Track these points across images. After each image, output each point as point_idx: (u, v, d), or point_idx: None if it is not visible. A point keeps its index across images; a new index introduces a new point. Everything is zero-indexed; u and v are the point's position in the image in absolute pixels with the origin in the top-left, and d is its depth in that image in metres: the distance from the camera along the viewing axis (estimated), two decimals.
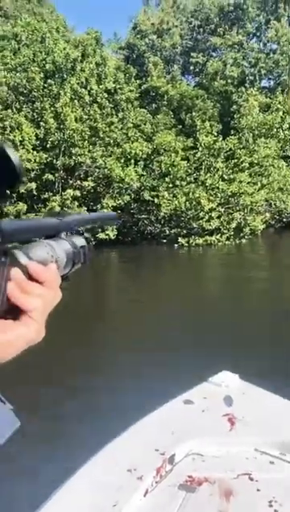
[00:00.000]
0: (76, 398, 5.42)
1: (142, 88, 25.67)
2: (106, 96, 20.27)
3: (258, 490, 1.74)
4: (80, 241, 0.77)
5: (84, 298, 13.16)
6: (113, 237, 21.93)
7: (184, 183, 20.95)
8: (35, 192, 19.44)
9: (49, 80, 19.01)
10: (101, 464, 1.93)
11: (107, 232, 21.80)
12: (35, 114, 18.92)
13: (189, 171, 21.82)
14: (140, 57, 29.14)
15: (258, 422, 2.19)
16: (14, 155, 0.58)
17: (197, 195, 20.23)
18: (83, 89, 19.58)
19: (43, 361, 7.01)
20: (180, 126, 25.20)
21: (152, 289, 13.36)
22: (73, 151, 18.85)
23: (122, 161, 20.75)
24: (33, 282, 0.62)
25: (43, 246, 0.67)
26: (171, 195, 21.11)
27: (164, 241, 22.00)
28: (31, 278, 0.62)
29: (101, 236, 21.65)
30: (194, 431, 2.14)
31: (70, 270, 0.73)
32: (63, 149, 19.05)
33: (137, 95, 23.03)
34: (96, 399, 5.37)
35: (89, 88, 19.86)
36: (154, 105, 25.99)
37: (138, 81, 26.15)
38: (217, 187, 20.84)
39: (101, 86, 20.22)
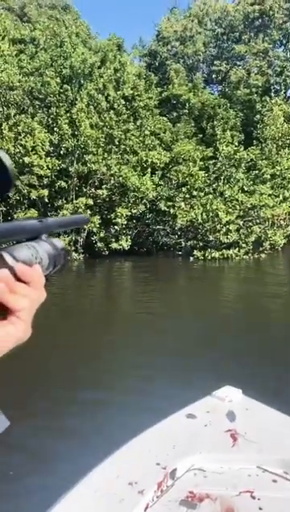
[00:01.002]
0: (78, 409, 5.28)
1: (163, 95, 25.03)
2: (124, 102, 19.67)
3: (260, 509, 1.70)
4: (60, 243, 0.78)
5: (92, 307, 12.87)
6: (127, 248, 21.28)
7: (201, 193, 20.13)
8: (47, 200, 18.93)
9: (65, 86, 18.52)
10: (103, 477, 1.90)
11: (121, 242, 21.18)
12: (50, 120, 18.43)
13: (208, 181, 21.01)
14: (162, 65, 28.59)
15: (261, 439, 2.14)
16: (5, 158, 0.61)
17: (215, 206, 19.37)
18: (100, 95, 19.02)
19: (40, 367, 6.79)
20: (201, 136, 24.44)
21: (162, 301, 12.82)
22: (87, 158, 18.26)
23: (139, 169, 20.10)
24: (20, 282, 0.64)
25: (28, 248, 0.68)
26: (189, 206, 20.33)
27: (180, 253, 21.20)
28: (17, 278, 0.64)
29: (114, 246, 21.03)
30: (196, 445, 2.11)
31: (51, 271, 0.75)
32: (77, 156, 18.50)
33: (156, 102, 22.39)
34: (97, 411, 5.25)
35: (106, 94, 19.30)
36: (174, 114, 25.31)
37: (158, 89, 25.63)
38: (237, 199, 19.95)
39: (118, 92, 19.64)
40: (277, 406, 2.51)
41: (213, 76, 28.41)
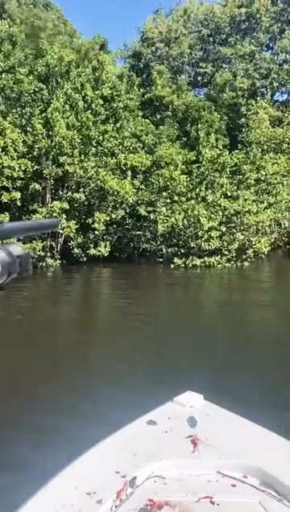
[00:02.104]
0: (36, 416, 5.16)
1: (146, 97, 24.26)
2: (102, 103, 18.81)
3: None
4: (17, 250, 0.75)
5: (63, 316, 12.26)
6: (106, 254, 20.39)
7: (183, 198, 19.33)
8: (20, 203, 17.96)
9: (40, 84, 17.63)
10: (60, 488, 1.85)
11: (99, 248, 20.28)
12: (23, 120, 17.50)
13: (191, 186, 20.23)
14: (147, 66, 27.86)
15: (221, 443, 2.12)
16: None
17: (197, 212, 18.56)
18: (77, 95, 18.15)
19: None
20: (185, 139, 23.68)
21: (138, 312, 12.09)
22: (62, 160, 17.35)
23: (118, 173, 19.24)
24: None
25: None
26: (170, 211, 19.50)
27: (161, 260, 20.35)
28: None
29: (93, 252, 20.12)
30: (157, 452, 2.06)
31: (5, 281, 0.72)
32: (51, 157, 17.59)
33: (138, 103, 21.59)
34: (55, 419, 5.09)
35: (83, 93, 18.43)
36: (158, 116, 24.54)
37: (141, 90, 24.86)
38: (219, 205, 19.17)
39: (97, 92, 18.78)
40: (238, 410, 2.48)
41: (199, 78, 27.72)
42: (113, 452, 2.12)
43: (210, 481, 1.92)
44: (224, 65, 26.74)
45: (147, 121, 23.21)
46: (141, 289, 15.64)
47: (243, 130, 22.71)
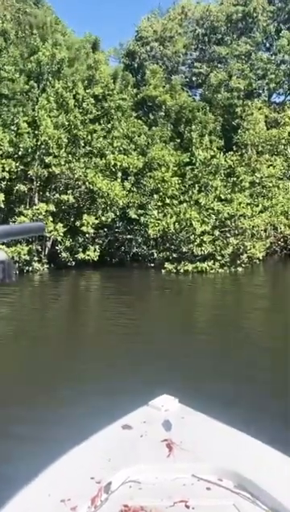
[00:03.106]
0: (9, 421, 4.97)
1: (139, 97, 23.60)
2: (93, 102, 18.09)
3: None
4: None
5: (43, 322, 11.82)
6: (95, 258, 19.69)
7: (175, 201, 18.62)
8: (3, 205, 17.22)
9: (31, 82, 16.93)
10: (33, 496, 1.81)
11: (88, 252, 19.57)
12: (9, 118, 16.76)
13: (183, 188, 19.53)
14: (141, 66, 27.21)
15: (196, 447, 2.11)
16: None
17: (189, 215, 17.86)
18: (68, 93, 17.43)
19: None
20: (179, 140, 23.01)
21: (124, 319, 11.67)
22: (47, 160, 16.62)
23: (107, 174, 18.52)
24: None
25: None
26: (161, 214, 18.78)
27: (152, 264, 19.62)
28: None
29: (81, 256, 19.41)
30: (132, 457, 2.05)
31: None
32: (37, 157, 16.87)
33: (131, 103, 20.92)
34: (29, 423, 4.99)
35: (74, 92, 17.72)
36: (151, 117, 23.87)
37: (134, 90, 24.21)
38: (212, 208, 18.46)
39: (88, 91, 18.07)
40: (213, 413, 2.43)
41: (194, 78, 27.07)
42: (87, 457, 2.08)
43: (185, 484, 1.91)
44: (219, 65, 26.10)
45: (139, 122, 22.54)
46: (128, 296, 14.92)
47: (238, 131, 22.02)
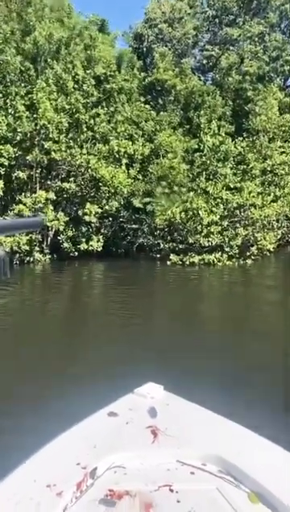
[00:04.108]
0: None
1: (147, 81, 22.63)
2: (94, 83, 17.20)
3: (178, 501, 1.72)
4: None
5: (40, 316, 11.30)
6: (99, 249, 19.00)
7: (183, 189, 17.71)
8: (1, 192, 16.52)
9: (26, 63, 16.11)
10: (19, 482, 1.82)
11: (91, 242, 18.87)
12: (6, 101, 15.98)
13: (191, 176, 18.62)
14: (150, 50, 26.14)
15: (181, 433, 2.14)
16: None
17: (196, 205, 16.96)
18: (67, 75, 16.58)
19: None
20: (188, 126, 22.04)
21: (119, 306, 11.66)
22: (46, 145, 15.83)
23: (111, 161, 17.69)
24: None
25: None
26: (168, 203, 17.91)
27: (158, 256, 18.81)
28: None
29: (84, 246, 18.72)
30: (117, 444, 2.08)
31: None
32: (36, 143, 16.10)
33: (135, 85, 19.97)
34: (13, 412, 5.02)
35: (73, 73, 16.85)
36: (160, 102, 22.90)
37: (143, 74, 23.25)
38: (221, 197, 17.53)
39: (88, 72, 17.17)
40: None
41: (204, 62, 25.95)
42: (73, 444, 2.10)
43: (169, 469, 1.93)
44: (231, 48, 24.93)
45: (147, 107, 21.61)
46: (130, 288, 14.16)
47: (250, 116, 20.96)
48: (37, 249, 18.42)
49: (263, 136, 19.55)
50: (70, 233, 18.68)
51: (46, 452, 2.02)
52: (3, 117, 15.89)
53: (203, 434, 2.17)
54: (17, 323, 10.34)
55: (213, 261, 17.29)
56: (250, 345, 8.16)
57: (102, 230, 19.40)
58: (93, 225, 18.82)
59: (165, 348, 7.90)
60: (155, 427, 2.17)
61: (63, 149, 16.30)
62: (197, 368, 6.69)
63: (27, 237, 17.03)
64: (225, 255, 17.46)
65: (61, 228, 18.26)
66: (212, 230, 17.34)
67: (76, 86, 16.84)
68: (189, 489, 1.79)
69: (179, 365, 6.72)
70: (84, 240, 18.88)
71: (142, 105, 21.01)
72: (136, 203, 17.78)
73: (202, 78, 26.47)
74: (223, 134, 18.78)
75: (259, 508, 1.70)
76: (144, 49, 26.98)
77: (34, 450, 2.01)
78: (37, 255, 18.30)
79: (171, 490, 1.78)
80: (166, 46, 24.48)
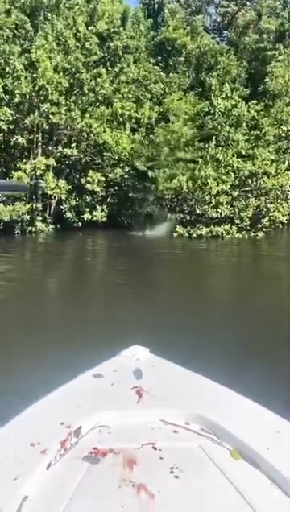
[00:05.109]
0: None
1: (156, 40, 21.25)
2: (97, 41, 16.00)
3: (161, 458, 1.75)
4: None
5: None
6: (103, 219, 18.26)
7: (188, 155, 16.67)
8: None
9: (23, 17, 14.97)
10: (3, 440, 1.84)
11: (95, 212, 18.10)
12: (2, 60, 14.94)
13: (199, 141, 17.50)
14: (162, 7, 24.58)
15: (165, 393, 2.17)
16: None
17: (204, 173, 15.94)
18: (68, 31, 15.40)
19: None
20: (200, 89, 20.73)
21: (118, 275, 11.32)
22: (44, 108, 14.86)
23: (115, 125, 16.67)
24: None
25: None
26: (174, 170, 16.89)
27: (165, 227, 17.95)
28: None
29: (87, 216, 17.97)
30: (102, 404, 2.08)
31: None
32: (35, 105, 15.13)
33: (141, 43, 18.68)
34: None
35: (75, 30, 15.66)
36: (170, 62, 21.55)
37: (152, 33, 21.86)
38: (231, 165, 16.45)
39: (91, 28, 15.95)
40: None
41: (219, 19, 24.30)
42: (58, 404, 2.10)
43: (153, 428, 1.94)
44: (248, 4, 23.19)
45: (156, 68, 20.33)
46: (132, 261, 13.42)
47: (266, 78, 19.55)
48: (39, 218, 17.73)
49: (280, 100, 18.20)
50: (73, 203, 17.92)
51: (30, 412, 2.03)
52: (0, 78, 14.91)
53: (187, 394, 2.20)
54: (16, 288, 10.01)
55: (222, 233, 16.37)
56: (250, 317, 7.46)
57: (107, 200, 18.60)
58: (98, 194, 18.02)
59: (158, 317, 7.41)
60: (140, 387, 2.19)
61: (63, 112, 15.28)
62: (192, 335, 6.45)
63: (27, 206, 16.31)
64: (234, 227, 16.51)
65: (63, 197, 17.49)
66: (221, 200, 16.35)
67: (77, 44, 15.65)
68: (172, 447, 1.82)
69: (171, 331, 6.51)
70: (87, 210, 18.12)
71: (151, 65, 19.76)
72: (139, 166, 16.75)
73: (217, 39, 24.91)
74: (236, 98, 17.51)
75: (241, 463, 1.75)
76: (156, 6, 25.45)
77: (18, 410, 2.00)
78: (39, 225, 17.64)
79: (155, 448, 1.82)
80: (178, 1, 22.91)
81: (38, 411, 2.04)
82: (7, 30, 14.86)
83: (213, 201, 16.31)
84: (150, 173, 16.46)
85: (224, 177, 16.69)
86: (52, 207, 18.52)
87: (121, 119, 16.39)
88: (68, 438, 1.84)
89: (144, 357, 2.53)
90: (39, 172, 15.49)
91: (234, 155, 16.63)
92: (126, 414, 2.03)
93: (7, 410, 2.12)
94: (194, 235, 16.33)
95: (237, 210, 16.69)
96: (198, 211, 16.61)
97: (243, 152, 16.92)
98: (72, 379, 2.30)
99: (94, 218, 18.09)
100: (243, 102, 17.60)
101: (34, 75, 14.82)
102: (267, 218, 17.23)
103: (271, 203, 17.48)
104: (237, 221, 16.65)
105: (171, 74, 20.07)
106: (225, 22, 23.84)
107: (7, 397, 4.21)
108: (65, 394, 2.18)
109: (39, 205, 16.95)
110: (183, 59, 21.31)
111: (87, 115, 16.21)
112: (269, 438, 1.83)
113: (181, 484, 1.62)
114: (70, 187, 17.68)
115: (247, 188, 17.15)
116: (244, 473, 1.68)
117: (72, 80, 15.75)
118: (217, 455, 1.77)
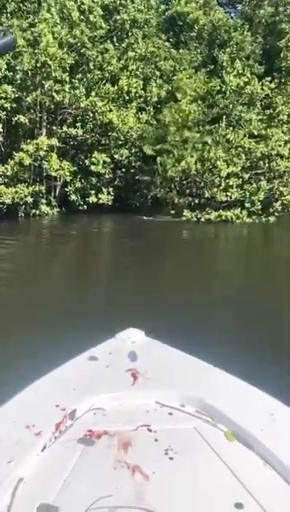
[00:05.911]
0: None
1: (167, 14, 20.34)
2: (102, 13, 15.21)
3: (155, 440, 1.76)
4: None
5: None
6: (109, 202, 17.75)
7: (196, 135, 15.94)
8: (2, 138, 15.19)
9: None
10: None
11: (100, 195, 17.57)
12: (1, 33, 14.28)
13: (209, 121, 16.75)
14: None
15: (161, 376, 2.19)
16: None
17: (213, 154, 15.23)
18: (71, 2, 14.63)
19: None
20: (213, 66, 19.84)
21: (122, 259, 11.01)
22: (47, 85, 14.23)
23: (121, 103, 15.99)
24: None
25: None
26: (182, 150, 16.20)
27: (172, 211, 17.37)
28: None
29: (93, 199, 17.46)
30: (97, 386, 2.09)
31: None
32: (37, 82, 14.51)
33: (150, 17, 17.83)
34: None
35: (79, 2, 14.88)
36: (182, 38, 20.64)
37: (163, 6, 20.95)
38: (242, 146, 15.70)
39: (96, 0, 15.17)
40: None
41: None
42: (53, 387, 2.10)
43: (148, 410, 1.95)
44: None
45: (166, 44, 19.46)
46: (137, 245, 12.89)
47: (281, 55, 18.59)
48: (43, 201, 17.26)
49: None
50: (78, 185, 17.40)
51: (25, 394, 2.02)
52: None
53: (182, 376, 2.21)
54: (20, 269, 9.78)
55: (232, 218, 15.73)
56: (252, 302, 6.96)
57: (114, 183, 18.05)
58: (104, 176, 17.47)
59: (158, 301, 7.08)
60: (135, 370, 2.21)
61: (66, 90, 14.63)
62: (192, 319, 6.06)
63: (29, 189, 15.82)
64: (244, 212, 15.84)
65: (68, 179, 16.97)
66: (231, 183, 15.67)
67: (82, 17, 14.89)
68: (167, 429, 1.83)
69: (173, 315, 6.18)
70: (93, 192, 17.60)
71: (160, 41, 18.90)
72: (147, 150, 16.12)
73: (232, 14, 23.81)
74: (249, 75, 16.66)
75: (235, 445, 1.77)
76: None
77: (13, 393, 1.99)
78: (44, 208, 17.20)
79: (150, 430, 1.82)
80: None
81: (33, 394, 2.04)
82: (12, 3, 14.18)
83: (223, 184, 15.64)
84: (158, 159, 15.80)
85: (234, 159, 15.98)
86: (57, 189, 18.03)
87: (127, 97, 15.66)
88: (63, 420, 1.85)
89: (139, 339, 2.54)
90: (42, 153, 14.92)
91: (245, 136, 15.86)
92: (121, 397, 2.03)
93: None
94: (202, 219, 15.71)
95: (247, 193, 15.99)
96: (207, 194, 15.97)
97: (255, 132, 16.13)
98: (67, 361, 2.29)
99: (100, 201, 17.58)
100: (257, 80, 16.73)
101: (36, 50, 14.16)
102: (280, 202, 16.50)
103: (285, 186, 16.74)
104: (247, 205, 15.97)
105: (181, 50, 19.20)
106: None
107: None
108: (60, 377, 2.19)
109: (43, 188, 16.43)
110: (195, 34, 20.39)
111: (93, 93, 15.54)
112: (263, 420, 1.85)
113: (176, 465, 1.63)
114: (75, 168, 17.12)
115: (259, 171, 16.42)
116: (238, 455, 1.70)
117: (77, 57, 15.05)
118: (212, 436, 1.78)
